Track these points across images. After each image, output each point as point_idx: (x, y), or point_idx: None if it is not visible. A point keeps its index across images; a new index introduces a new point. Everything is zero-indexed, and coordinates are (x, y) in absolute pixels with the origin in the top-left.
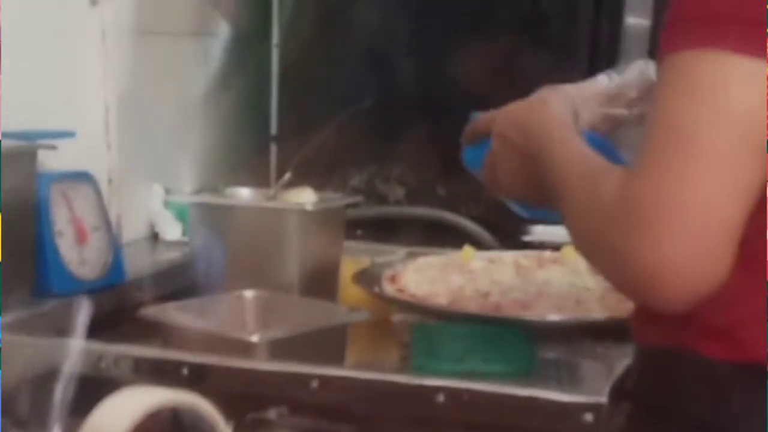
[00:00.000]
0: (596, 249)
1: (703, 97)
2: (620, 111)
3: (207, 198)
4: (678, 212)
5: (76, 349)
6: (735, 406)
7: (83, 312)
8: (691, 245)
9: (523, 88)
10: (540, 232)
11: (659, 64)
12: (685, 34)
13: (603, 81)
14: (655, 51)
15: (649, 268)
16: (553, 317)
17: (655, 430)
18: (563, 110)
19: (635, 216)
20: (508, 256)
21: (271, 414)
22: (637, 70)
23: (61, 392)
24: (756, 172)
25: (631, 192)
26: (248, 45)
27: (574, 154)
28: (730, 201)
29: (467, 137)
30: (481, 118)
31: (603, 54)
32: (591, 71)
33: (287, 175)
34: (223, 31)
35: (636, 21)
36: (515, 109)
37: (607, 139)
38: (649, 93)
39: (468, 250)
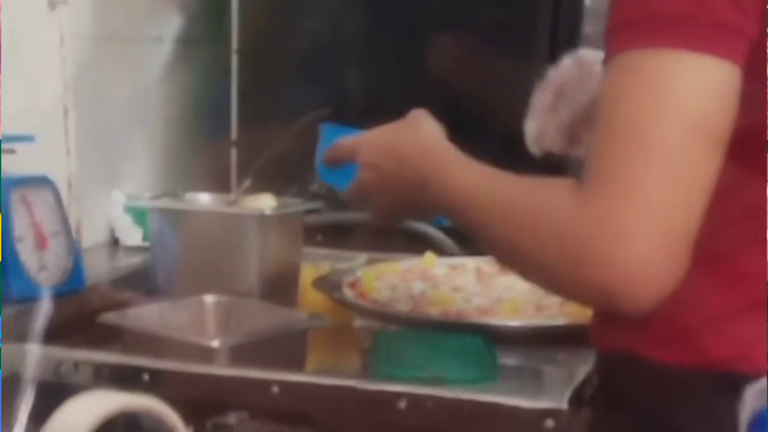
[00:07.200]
0: (549, 261)
1: (650, 94)
2: None
3: (166, 203)
4: (645, 215)
5: (36, 355)
6: (684, 412)
7: (43, 317)
8: (660, 244)
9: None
10: None
11: (605, 66)
12: (628, 36)
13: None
14: None
15: (623, 272)
16: (515, 323)
17: None
18: (439, 132)
19: (603, 224)
20: (470, 262)
21: (231, 419)
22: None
23: (21, 398)
24: (710, 166)
25: (594, 200)
26: (208, 50)
27: (490, 177)
28: (688, 196)
29: (328, 160)
30: (341, 144)
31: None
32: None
33: (247, 181)
34: (183, 35)
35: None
36: (382, 135)
37: None
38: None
39: (430, 256)
